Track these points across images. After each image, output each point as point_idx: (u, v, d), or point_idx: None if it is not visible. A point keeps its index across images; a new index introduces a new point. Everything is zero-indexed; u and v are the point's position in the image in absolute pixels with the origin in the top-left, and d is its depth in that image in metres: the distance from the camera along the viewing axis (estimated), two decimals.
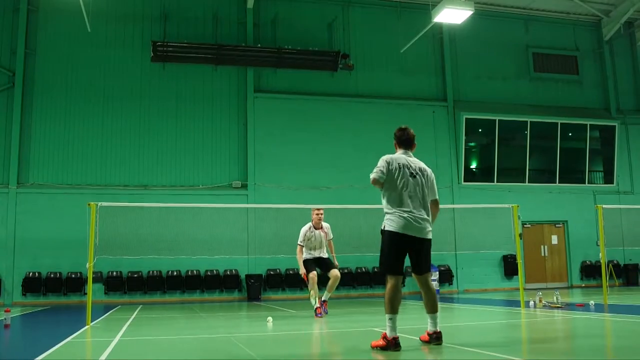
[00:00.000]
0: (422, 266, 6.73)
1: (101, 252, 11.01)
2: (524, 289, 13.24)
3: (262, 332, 9.12)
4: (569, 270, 23.74)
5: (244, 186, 20.94)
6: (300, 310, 14.02)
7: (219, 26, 21.84)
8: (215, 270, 20.13)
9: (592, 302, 12.61)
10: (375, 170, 6.69)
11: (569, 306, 12.23)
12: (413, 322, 10.50)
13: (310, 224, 12.06)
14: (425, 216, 6.65)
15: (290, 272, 20.32)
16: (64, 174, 19.89)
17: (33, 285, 18.82)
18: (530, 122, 23.51)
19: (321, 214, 12.07)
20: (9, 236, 19.03)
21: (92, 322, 10.65)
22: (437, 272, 21.16)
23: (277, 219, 17.55)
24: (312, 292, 11.81)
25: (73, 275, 19.08)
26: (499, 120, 23.18)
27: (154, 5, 21.42)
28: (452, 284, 21.92)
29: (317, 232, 11.98)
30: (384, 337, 6.38)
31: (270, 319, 10.50)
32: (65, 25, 20.60)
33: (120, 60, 20.93)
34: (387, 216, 6.66)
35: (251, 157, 21.13)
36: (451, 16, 19.05)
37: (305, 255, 11.99)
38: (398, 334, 6.41)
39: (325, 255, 12.07)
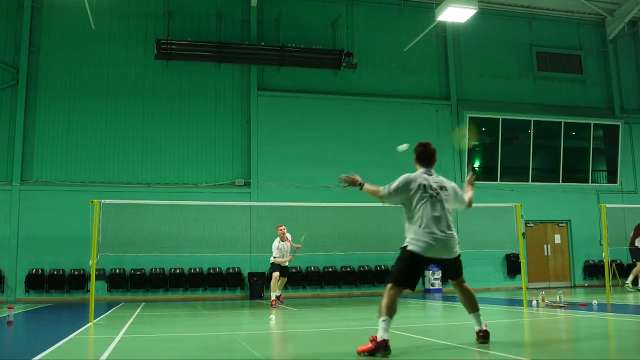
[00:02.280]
0: (453, 275, 6.82)
1: (104, 249, 11.03)
2: (527, 288, 13.24)
3: (265, 330, 9.13)
4: (571, 270, 23.71)
5: (247, 184, 20.94)
6: (302, 308, 14.03)
7: (223, 24, 21.84)
8: (218, 268, 20.14)
9: (595, 302, 12.59)
10: (390, 187, 6.59)
11: (572, 306, 12.22)
12: (412, 320, 10.51)
13: (277, 239, 15.27)
14: (450, 235, 6.49)
15: (293, 270, 20.30)
16: (67, 171, 19.90)
17: (36, 282, 18.85)
18: (534, 121, 23.47)
19: (284, 229, 15.29)
20: (12, 233, 19.06)
21: (94, 319, 10.66)
22: (440, 271, 21.09)
23: (280, 216, 17.54)
24: (273, 287, 15.00)
25: (76, 273, 19.11)
26: (502, 119, 23.16)
27: (157, 2, 21.42)
28: None
29: (284, 243, 15.27)
30: (373, 339, 6.05)
31: (272, 317, 10.52)
32: (69, 23, 20.61)
33: (124, 58, 20.94)
34: (409, 236, 6.49)
35: (254, 155, 21.13)
36: (455, 15, 19.02)
37: (276, 260, 15.19)
38: (389, 337, 6.06)
39: (287, 264, 15.48)
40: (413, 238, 6.42)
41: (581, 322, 9.36)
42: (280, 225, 15.33)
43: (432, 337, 7.47)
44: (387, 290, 6.33)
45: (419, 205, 6.49)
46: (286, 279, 15.85)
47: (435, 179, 6.71)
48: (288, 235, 15.38)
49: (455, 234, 6.56)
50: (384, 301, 6.25)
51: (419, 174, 6.71)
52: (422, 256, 6.36)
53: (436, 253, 6.40)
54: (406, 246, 6.45)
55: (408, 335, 7.78)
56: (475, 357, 5.94)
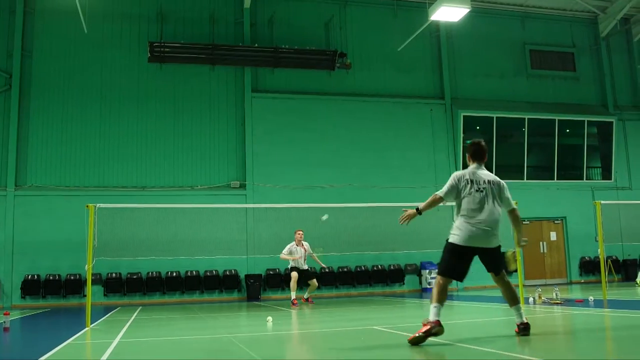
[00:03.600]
0: (493, 268, 7.10)
1: (100, 253, 11.01)
2: (524, 285, 13.26)
3: (262, 332, 9.12)
4: (568, 267, 23.77)
5: (243, 186, 20.93)
6: (300, 310, 14.02)
7: (216, 26, 21.83)
8: (215, 271, 20.12)
9: (591, 298, 12.62)
10: (445, 188, 7.10)
11: (569, 302, 12.24)
12: (410, 320, 10.51)
13: (294, 242, 15.54)
14: (491, 227, 6.96)
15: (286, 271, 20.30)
16: (62, 175, 19.86)
17: (32, 287, 18.81)
18: (528, 119, 23.52)
19: (301, 235, 15.57)
20: (7, 239, 19.01)
21: (91, 324, 10.63)
22: (437, 270, 21.12)
23: (276, 218, 17.57)
24: (292, 285, 15.30)
25: (72, 277, 19.06)
26: (496, 117, 23.20)
27: (150, 5, 21.40)
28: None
29: (298, 248, 15.46)
30: (427, 322, 6.65)
31: (270, 318, 10.50)
32: (61, 27, 20.58)
33: (117, 61, 20.91)
34: (454, 226, 7.03)
35: (249, 157, 21.12)
36: (448, 14, 19.05)
37: (292, 264, 15.51)
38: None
39: (305, 267, 15.62)
40: (457, 227, 6.98)
41: (578, 319, 9.38)
42: (299, 230, 15.63)
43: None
44: (436, 280, 7.03)
45: (465, 198, 7.01)
46: (315, 280, 16.05)
47: (484, 174, 7.21)
48: (305, 243, 15.66)
49: (497, 226, 7.04)
50: (434, 290, 6.95)
51: (468, 170, 7.24)
52: (461, 246, 6.88)
53: (476, 242, 6.88)
54: (448, 238, 7.03)
55: (406, 334, 7.78)
56: (473, 355, 5.95)
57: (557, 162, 23.88)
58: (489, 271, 7.18)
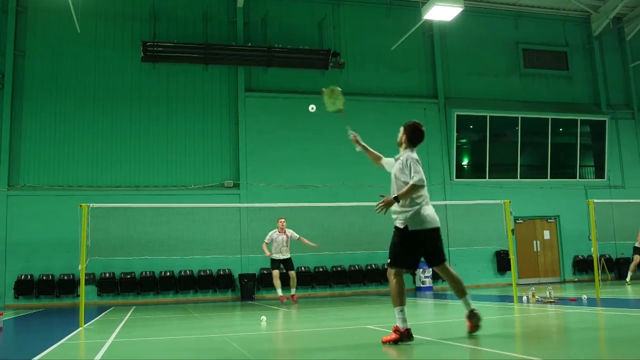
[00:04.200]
0: (438, 254, 7.00)
1: (93, 253, 10.98)
2: (517, 284, 13.28)
3: (256, 332, 9.11)
4: (561, 265, 23.83)
5: (236, 185, 20.91)
6: (293, 309, 14.02)
7: (209, 25, 21.80)
8: (209, 270, 20.08)
9: (584, 297, 12.66)
10: (420, 173, 6.79)
11: (562, 301, 12.27)
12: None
13: (275, 229, 15.64)
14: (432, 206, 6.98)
15: (284, 271, 20.27)
16: (55, 175, 19.80)
17: (25, 287, 18.75)
18: (521, 118, 23.57)
19: (284, 222, 15.65)
20: (0, 239, 18.94)
21: (85, 324, 10.61)
22: (431, 269, 21.16)
23: (270, 217, 17.54)
24: (275, 283, 15.54)
25: (65, 277, 19.01)
26: (489, 116, 23.24)
27: (143, 5, 21.34)
28: (445, 280, 21.88)
29: (280, 235, 15.54)
30: (396, 329, 6.52)
31: (264, 318, 10.50)
32: (54, 26, 20.51)
33: (110, 61, 20.85)
34: (403, 212, 6.76)
35: (243, 156, 21.10)
36: (441, 13, 19.10)
37: (273, 255, 15.60)
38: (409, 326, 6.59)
39: (287, 256, 15.68)
40: (419, 214, 6.78)
41: (571, 317, 9.40)
42: (281, 218, 15.75)
43: (423, 334, 7.48)
44: (391, 277, 6.84)
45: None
46: (294, 272, 15.97)
47: None
48: (288, 230, 15.72)
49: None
50: (394, 289, 6.78)
51: (413, 153, 7.14)
52: (418, 231, 6.75)
53: (436, 223, 6.86)
54: (407, 225, 6.75)
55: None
56: (467, 354, 5.96)
57: (551, 160, 23.94)
58: (430, 260, 7.06)
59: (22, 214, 19.21)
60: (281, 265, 15.83)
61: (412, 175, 6.71)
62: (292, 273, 15.82)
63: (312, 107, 9.66)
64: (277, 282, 15.50)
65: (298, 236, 15.80)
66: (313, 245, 15.66)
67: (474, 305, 7.08)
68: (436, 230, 6.87)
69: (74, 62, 20.61)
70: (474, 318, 6.93)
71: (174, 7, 21.62)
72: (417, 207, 6.72)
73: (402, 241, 6.75)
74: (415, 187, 6.68)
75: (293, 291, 15.84)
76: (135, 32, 21.11)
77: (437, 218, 6.88)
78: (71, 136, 20.13)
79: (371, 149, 7.55)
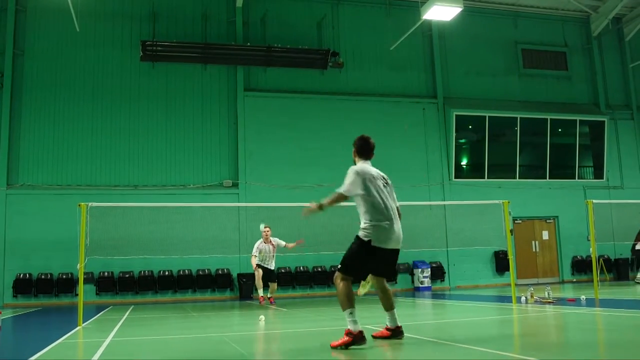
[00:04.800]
0: (390, 272, 7.09)
1: (92, 252, 10.98)
2: (516, 284, 13.28)
3: (255, 331, 9.11)
4: (560, 266, 23.84)
5: (235, 185, 20.90)
6: (291, 309, 14.02)
7: (209, 25, 21.79)
8: (207, 270, 20.09)
9: (583, 297, 12.66)
10: (347, 184, 6.64)
11: (561, 301, 12.28)
12: (402, 319, 10.51)
13: (261, 239, 15.22)
14: (400, 225, 6.81)
15: (282, 270, 20.32)
16: (53, 174, 19.79)
17: (24, 286, 18.74)
18: (520, 118, 23.57)
19: (268, 232, 15.21)
20: None
21: (83, 323, 10.61)
22: (429, 269, 21.21)
23: (269, 217, 17.54)
24: (257, 283, 15.14)
25: (64, 276, 19.01)
26: (489, 116, 23.24)
27: (143, 4, 21.33)
28: (443, 280, 21.95)
29: (267, 246, 15.16)
30: (348, 332, 6.39)
31: (262, 317, 10.50)
32: (53, 25, 20.50)
33: (110, 60, 20.84)
34: (368, 226, 6.62)
35: (242, 155, 21.09)
36: (440, 13, 19.08)
37: (259, 262, 15.23)
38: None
39: (272, 267, 15.37)
40: (372, 227, 6.59)
41: (570, 318, 9.41)
42: (265, 227, 15.31)
43: (422, 334, 7.48)
44: (339, 281, 6.74)
45: (375, 195, 6.67)
46: (276, 284, 15.96)
47: (378, 171, 7.05)
48: (274, 238, 15.34)
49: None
50: (342, 291, 6.69)
51: (366, 165, 7.01)
52: (376, 247, 6.59)
53: (393, 244, 6.68)
54: (362, 237, 6.63)
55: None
56: (465, 354, 5.96)
57: (550, 161, 23.95)
58: (382, 276, 6.99)
59: (21, 213, 19.20)
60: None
61: (343, 183, 6.69)
62: (274, 285, 15.74)
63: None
64: (259, 283, 15.10)
65: (284, 243, 15.37)
66: (297, 243, 15.10)
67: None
68: (397, 252, 6.83)
69: (73, 62, 20.59)
70: (399, 335, 6.97)
71: (173, 7, 21.61)
72: (383, 223, 6.59)
73: (361, 253, 6.64)
74: (340, 196, 6.64)
75: (270, 295, 15.68)
76: (135, 32, 21.10)
77: (401, 239, 6.78)
78: (70, 135, 20.11)
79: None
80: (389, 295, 6.99)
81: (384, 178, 6.93)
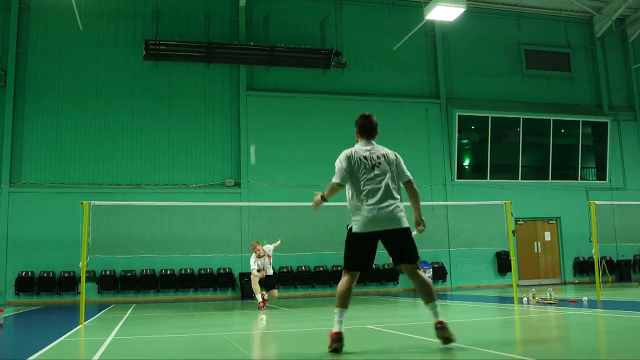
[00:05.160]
0: (404, 255, 6.27)
1: (94, 251, 10.98)
2: (517, 285, 13.28)
3: (256, 331, 9.11)
4: (562, 267, 23.81)
5: (237, 184, 20.91)
6: (293, 309, 14.02)
7: (212, 24, 21.80)
8: (209, 269, 20.10)
9: (585, 298, 12.64)
10: (336, 172, 6.44)
11: (562, 302, 12.26)
12: (403, 319, 10.51)
13: (254, 254, 14.47)
14: (393, 206, 6.25)
15: (284, 270, 20.32)
16: (56, 173, 19.82)
17: (26, 284, 18.76)
18: (523, 119, 23.56)
19: (257, 249, 14.40)
20: (1, 236, 18.95)
21: (85, 321, 10.62)
22: (431, 269, 21.20)
23: (271, 216, 17.54)
24: (254, 287, 14.21)
25: (66, 275, 19.03)
26: (491, 117, 23.22)
27: (146, 3, 21.35)
28: (445, 280, 21.95)
29: (260, 259, 14.44)
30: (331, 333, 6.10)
31: (263, 317, 10.51)
32: (57, 24, 20.52)
33: (113, 59, 20.86)
34: (351, 213, 6.37)
35: (244, 155, 21.10)
36: (443, 14, 19.08)
37: (256, 267, 14.42)
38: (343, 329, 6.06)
39: (270, 272, 14.63)
40: (355, 214, 6.31)
41: (572, 319, 9.39)
42: (253, 245, 14.58)
43: (424, 335, 7.48)
44: (342, 278, 6.33)
45: (360, 179, 6.35)
46: (276, 290, 14.84)
47: (377, 149, 6.62)
48: (266, 248, 14.67)
49: (399, 203, 6.33)
50: (338, 290, 6.27)
51: (358, 147, 6.62)
52: (362, 234, 6.21)
53: (379, 225, 6.18)
54: (349, 226, 6.38)
55: (399, 334, 7.79)
56: (466, 355, 5.95)
57: (552, 162, 23.93)
58: (398, 262, 6.35)
59: (24, 211, 19.22)
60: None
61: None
62: (275, 293, 14.64)
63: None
64: (256, 287, 14.19)
65: (272, 246, 14.84)
66: (278, 243, 14.85)
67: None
68: (395, 232, 6.24)
69: (76, 60, 20.61)
70: (439, 331, 6.19)
71: (177, 6, 21.63)
72: (357, 207, 6.30)
73: (350, 243, 6.36)
74: (335, 185, 6.47)
75: (266, 297, 14.52)
76: (138, 31, 21.12)
77: (393, 218, 6.21)
78: (73, 134, 20.13)
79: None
80: (421, 284, 6.31)
81: (378, 157, 6.48)
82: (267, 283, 14.49)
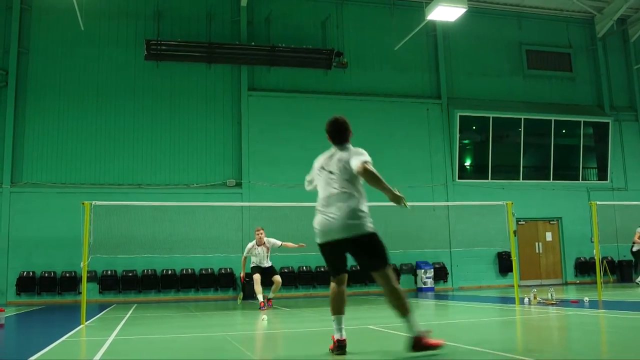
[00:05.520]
0: (367, 262, 5.96)
1: (95, 251, 10.99)
2: (519, 285, 13.27)
3: (257, 331, 9.11)
4: (563, 267, 23.80)
5: (239, 184, 20.91)
6: (294, 309, 14.02)
7: (213, 24, 21.80)
8: (210, 269, 20.11)
9: (586, 299, 12.64)
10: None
11: (564, 303, 12.25)
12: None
13: (254, 241, 14.57)
14: (344, 213, 5.89)
15: (285, 270, 20.31)
16: (57, 173, 19.82)
17: (27, 284, 18.77)
18: (524, 119, 23.55)
19: (262, 234, 14.49)
20: (2, 236, 18.96)
21: (86, 321, 10.62)
22: (432, 270, 21.21)
23: (272, 217, 17.53)
24: (256, 289, 14.21)
25: (67, 275, 19.04)
26: (492, 117, 23.22)
27: (147, 3, 21.36)
28: (446, 281, 21.95)
29: (259, 248, 14.47)
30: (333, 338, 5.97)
31: (265, 317, 10.51)
32: (58, 24, 20.53)
33: (114, 59, 20.86)
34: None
35: (245, 155, 21.11)
36: (444, 14, 19.08)
37: (254, 262, 14.56)
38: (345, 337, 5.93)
39: (268, 264, 14.59)
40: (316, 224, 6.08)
41: (573, 319, 9.39)
42: (258, 229, 14.65)
43: None
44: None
45: (319, 185, 6.31)
46: (278, 276, 14.74)
47: (339, 153, 6.31)
48: (271, 240, 14.64)
49: (352, 207, 5.93)
50: (330, 298, 6.10)
51: (326, 153, 6.47)
52: (321, 244, 6.02)
53: (329, 235, 5.91)
54: None
55: (401, 334, 7.79)
56: (467, 355, 5.95)
57: (553, 162, 23.92)
58: (364, 270, 6.07)
59: (25, 211, 19.23)
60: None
61: None
62: (277, 278, 14.61)
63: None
64: (258, 288, 14.20)
65: (280, 243, 14.62)
66: (299, 245, 14.31)
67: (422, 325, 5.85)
68: (353, 241, 5.88)
69: (77, 60, 20.62)
70: (413, 348, 5.64)
71: (178, 6, 21.63)
72: (317, 217, 6.16)
73: (321, 251, 6.15)
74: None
75: (271, 295, 14.75)
76: (139, 31, 21.12)
77: (343, 224, 5.87)
78: (74, 134, 20.14)
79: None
80: (389, 295, 5.87)
81: (339, 160, 6.24)
82: (268, 272, 14.54)
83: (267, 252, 14.59)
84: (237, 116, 21.42)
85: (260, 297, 14.05)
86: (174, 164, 20.70)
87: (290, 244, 14.48)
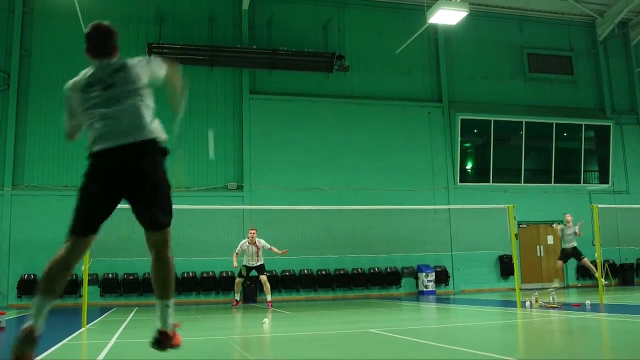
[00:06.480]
0: (142, 205, 4.78)
1: (96, 254, 10.98)
2: (520, 289, 13.26)
3: (259, 334, 9.11)
4: (565, 270, 23.74)
5: (240, 188, 20.91)
6: (296, 312, 14.01)
7: (214, 27, 21.82)
8: (212, 272, 20.10)
9: (588, 302, 12.62)
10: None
11: (565, 306, 12.24)
12: (406, 323, 10.50)
13: (246, 239, 15.69)
14: (118, 116, 4.79)
15: (287, 273, 20.31)
16: (59, 175, 19.82)
17: (28, 287, 18.73)
18: (526, 122, 23.54)
19: (254, 234, 15.60)
20: (3, 238, 18.97)
21: (87, 324, 10.61)
22: (434, 273, 21.18)
23: (273, 220, 17.54)
24: (235, 289, 16.23)
25: (68, 278, 18.98)
26: (494, 120, 23.21)
27: (149, 6, 21.38)
28: (448, 284, 21.92)
29: (251, 246, 15.57)
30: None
31: (266, 320, 10.50)
32: (60, 27, 20.54)
33: None
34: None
35: (247, 158, 21.10)
36: (446, 17, 19.11)
37: (244, 262, 15.78)
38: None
39: (258, 263, 15.67)
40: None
41: (575, 323, 9.38)
42: (251, 229, 15.80)
43: (425, 339, 7.47)
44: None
45: (85, 111, 4.98)
46: (265, 276, 15.79)
47: (110, 69, 4.98)
48: (261, 241, 15.63)
49: (129, 114, 4.80)
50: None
51: (83, 72, 5.12)
52: (91, 169, 4.92)
53: (106, 141, 4.83)
54: None
55: (402, 337, 7.78)
56: (469, 358, 5.94)
57: (555, 165, 23.90)
58: (142, 220, 4.86)
59: (26, 214, 19.23)
60: (253, 271, 15.90)
61: None
62: (263, 277, 15.75)
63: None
64: (237, 288, 16.23)
65: (269, 246, 15.58)
66: (283, 251, 15.43)
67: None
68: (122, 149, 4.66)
69: (79, 63, 20.06)
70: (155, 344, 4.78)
71: (180, 9, 21.65)
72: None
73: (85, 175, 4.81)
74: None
75: (269, 297, 15.64)
76: (141, 34, 21.13)
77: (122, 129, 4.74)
78: None
79: None
80: (164, 268, 4.88)
81: (115, 72, 4.96)
82: (258, 270, 15.74)
83: (258, 251, 15.63)
84: (238, 119, 21.43)
85: (237, 296, 16.27)
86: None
87: (275, 249, 15.54)
